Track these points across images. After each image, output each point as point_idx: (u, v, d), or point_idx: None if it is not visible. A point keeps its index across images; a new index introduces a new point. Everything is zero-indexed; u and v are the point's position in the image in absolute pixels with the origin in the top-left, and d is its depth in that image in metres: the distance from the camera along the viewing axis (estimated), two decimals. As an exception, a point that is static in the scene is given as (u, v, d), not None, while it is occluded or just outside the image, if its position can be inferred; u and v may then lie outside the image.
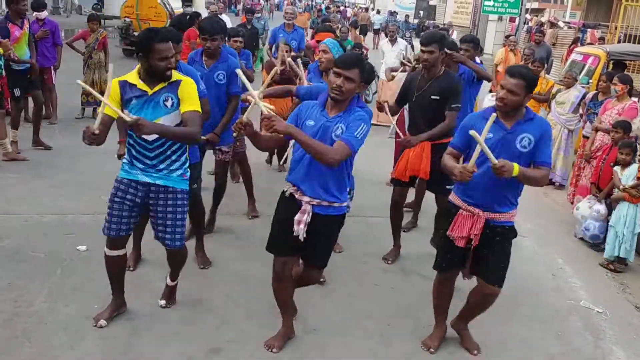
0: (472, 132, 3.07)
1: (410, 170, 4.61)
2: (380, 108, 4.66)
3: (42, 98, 7.25)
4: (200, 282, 4.21)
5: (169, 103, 3.36)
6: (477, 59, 6.23)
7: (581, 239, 5.72)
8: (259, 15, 12.41)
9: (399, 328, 3.86)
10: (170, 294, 3.89)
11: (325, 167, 3.14)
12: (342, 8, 38.76)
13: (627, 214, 5.08)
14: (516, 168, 3.09)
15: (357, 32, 15.19)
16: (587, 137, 6.55)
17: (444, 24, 21.46)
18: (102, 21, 11.29)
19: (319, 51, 4.60)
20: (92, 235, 4.75)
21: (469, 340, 3.74)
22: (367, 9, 34.52)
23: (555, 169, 7.36)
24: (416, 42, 16.29)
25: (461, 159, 3.53)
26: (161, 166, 3.44)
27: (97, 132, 3.09)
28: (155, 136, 3.33)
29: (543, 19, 22.15)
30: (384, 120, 9.77)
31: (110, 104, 3.15)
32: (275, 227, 3.41)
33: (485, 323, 4.02)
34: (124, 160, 3.50)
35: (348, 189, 3.47)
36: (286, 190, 3.34)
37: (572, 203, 6.40)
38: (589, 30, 15.70)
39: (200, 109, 3.43)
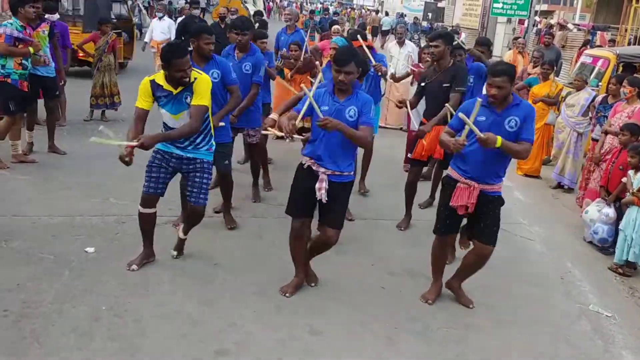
0: (460, 114, 3.79)
1: (427, 151, 5.40)
2: (401, 106, 5.63)
3: (57, 105, 7.30)
4: (207, 284, 4.22)
5: (189, 100, 4.05)
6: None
7: (590, 242, 5.69)
8: (234, 16, 12.07)
9: (406, 331, 3.85)
10: (181, 246, 4.54)
11: (338, 145, 3.86)
12: (348, 9, 38.85)
13: (637, 218, 5.04)
14: (499, 140, 3.68)
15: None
16: (597, 140, 6.51)
17: (452, 26, 21.42)
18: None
19: (331, 49, 5.42)
20: (101, 238, 4.79)
21: (463, 297, 4.27)
22: (377, 12, 34.52)
23: (564, 172, 7.33)
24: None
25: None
26: (190, 146, 4.19)
27: (127, 158, 3.84)
28: None
29: (552, 21, 22.04)
30: (391, 122, 9.89)
31: (121, 143, 3.84)
32: (295, 193, 4.06)
33: (492, 327, 4.02)
34: None
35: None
36: (304, 163, 3.97)
37: (581, 206, 6.36)
38: (598, 32, 15.64)
39: (208, 103, 4.10)
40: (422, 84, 5.48)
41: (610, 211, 5.46)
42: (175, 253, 4.54)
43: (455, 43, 5.67)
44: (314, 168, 3.93)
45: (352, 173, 4.03)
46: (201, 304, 3.95)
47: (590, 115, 7.06)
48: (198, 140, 4.19)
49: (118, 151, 3.83)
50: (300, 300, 4.10)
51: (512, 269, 4.91)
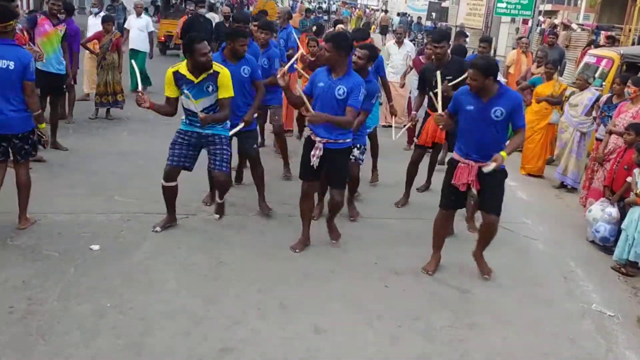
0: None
1: (431, 137, 6.03)
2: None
3: (61, 102, 7.33)
4: (212, 282, 4.24)
5: (210, 89, 4.63)
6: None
7: (592, 241, 5.68)
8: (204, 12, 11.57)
9: (410, 330, 3.86)
10: (220, 209, 5.22)
11: None
12: (352, 8, 38.84)
13: (639, 218, 5.03)
14: (504, 155, 4.11)
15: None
16: (600, 140, 6.51)
17: (457, 26, 21.37)
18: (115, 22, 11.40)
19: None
20: (105, 235, 4.81)
21: (484, 266, 4.63)
22: (386, 11, 34.50)
23: (567, 172, 7.32)
24: (428, 44, 16.32)
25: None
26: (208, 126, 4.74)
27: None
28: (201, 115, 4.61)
29: (556, 21, 22.01)
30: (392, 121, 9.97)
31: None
32: (303, 160, 4.66)
33: (496, 326, 4.03)
34: (183, 119, 4.82)
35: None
36: (309, 135, 4.61)
37: (584, 206, 6.36)
38: (602, 32, 15.58)
39: (232, 93, 4.74)
40: (424, 81, 5.83)
41: (614, 211, 5.46)
42: (217, 216, 5.23)
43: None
44: (312, 137, 4.56)
45: (347, 140, 4.56)
46: (206, 302, 3.96)
47: (594, 114, 7.05)
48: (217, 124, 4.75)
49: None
50: (304, 299, 4.12)
51: (515, 268, 4.92)
